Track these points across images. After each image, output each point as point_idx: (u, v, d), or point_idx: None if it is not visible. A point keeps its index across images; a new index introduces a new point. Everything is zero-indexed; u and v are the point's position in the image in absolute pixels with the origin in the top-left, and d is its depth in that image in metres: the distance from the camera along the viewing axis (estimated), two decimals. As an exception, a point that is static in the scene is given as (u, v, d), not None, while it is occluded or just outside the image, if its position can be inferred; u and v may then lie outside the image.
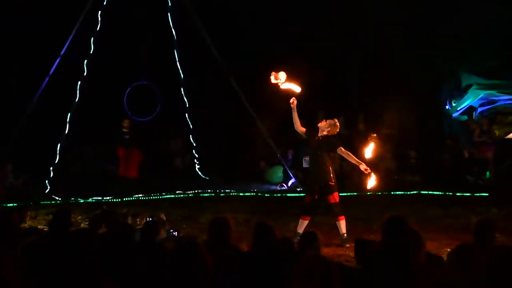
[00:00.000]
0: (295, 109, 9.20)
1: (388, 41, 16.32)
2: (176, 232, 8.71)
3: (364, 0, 16.49)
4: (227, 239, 5.35)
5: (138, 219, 8.19)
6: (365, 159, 9.06)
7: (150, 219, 8.65)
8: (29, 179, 14.27)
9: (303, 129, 9.31)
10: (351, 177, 14.29)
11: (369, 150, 9.25)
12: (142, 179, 14.33)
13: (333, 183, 8.94)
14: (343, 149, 8.93)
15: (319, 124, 9.12)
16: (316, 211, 9.34)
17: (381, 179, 9.75)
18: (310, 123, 9.83)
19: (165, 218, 9.00)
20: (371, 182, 9.16)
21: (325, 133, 9.03)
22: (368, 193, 13.10)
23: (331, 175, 8.95)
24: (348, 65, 17.01)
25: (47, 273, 4.62)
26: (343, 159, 9.73)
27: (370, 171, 8.77)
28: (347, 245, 8.60)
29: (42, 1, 16.05)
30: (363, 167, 8.74)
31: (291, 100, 9.14)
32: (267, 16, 17.12)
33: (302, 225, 8.90)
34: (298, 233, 8.61)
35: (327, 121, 9.10)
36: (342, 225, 8.90)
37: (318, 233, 5.87)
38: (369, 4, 16.29)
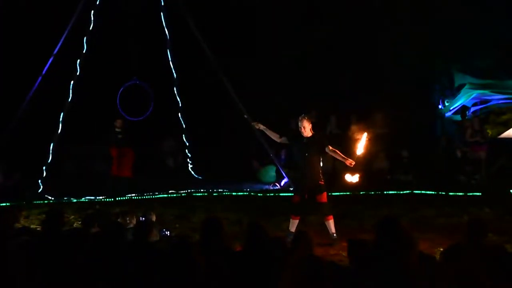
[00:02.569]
0: (265, 128, 9.28)
1: (383, 40, 16.36)
2: (168, 232, 8.70)
3: (360, 1, 16.53)
4: (219, 239, 5.35)
5: (128, 218, 8.13)
6: (357, 155, 8.98)
7: (142, 218, 8.65)
8: (22, 179, 14.24)
9: (282, 138, 9.31)
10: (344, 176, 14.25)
11: (361, 146, 9.12)
12: (135, 179, 14.30)
13: (323, 183, 8.96)
14: (330, 147, 8.92)
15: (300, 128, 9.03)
16: (306, 210, 9.33)
17: (373, 178, 9.73)
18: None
19: (154, 219, 8.98)
20: (354, 178, 9.14)
21: (309, 134, 9.00)
22: (361, 192, 13.17)
23: (321, 175, 8.97)
24: (342, 65, 16.97)
25: (40, 272, 4.61)
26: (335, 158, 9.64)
27: (354, 165, 8.77)
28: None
29: (35, 0, 15.98)
30: (348, 162, 8.75)
31: (256, 125, 9.36)
32: (263, 16, 17.12)
33: (294, 225, 8.92)
34: (291, 232, 8.63)
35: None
36: (331, 224, 8.91)
37: (311, 232, 5.88)
38: (366, 5, 16.33)
